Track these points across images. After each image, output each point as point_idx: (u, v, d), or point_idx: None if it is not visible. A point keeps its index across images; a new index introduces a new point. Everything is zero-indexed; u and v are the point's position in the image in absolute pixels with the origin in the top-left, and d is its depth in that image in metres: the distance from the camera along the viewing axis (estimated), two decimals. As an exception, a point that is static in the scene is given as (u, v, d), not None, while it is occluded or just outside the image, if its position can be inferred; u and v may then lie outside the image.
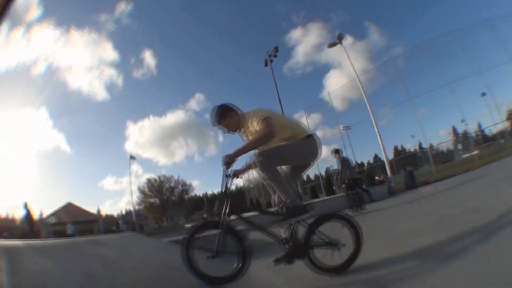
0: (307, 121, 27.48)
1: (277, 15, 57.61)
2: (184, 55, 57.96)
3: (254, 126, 2.60)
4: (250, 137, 2.76)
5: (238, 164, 2.67)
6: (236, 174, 2.90)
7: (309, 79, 47.32)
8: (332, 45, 21.01)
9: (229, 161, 2.53)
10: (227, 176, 2.70)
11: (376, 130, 18.49)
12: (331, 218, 2.62)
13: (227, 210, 2.52)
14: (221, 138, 49.25)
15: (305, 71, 43.14)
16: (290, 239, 2.54)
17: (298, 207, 2.48)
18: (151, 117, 48.01)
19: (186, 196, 45.20)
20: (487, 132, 24.47)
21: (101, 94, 52.77)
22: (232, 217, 2.56)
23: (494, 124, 21.86)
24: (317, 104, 30.45)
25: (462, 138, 26.31)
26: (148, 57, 52.02)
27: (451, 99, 22.85)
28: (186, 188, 46.13)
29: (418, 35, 56.02)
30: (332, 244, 2.51)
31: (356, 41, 49.90)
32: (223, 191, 2.66)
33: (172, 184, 45.49)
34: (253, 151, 2.58)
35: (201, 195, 45.14)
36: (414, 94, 21.86)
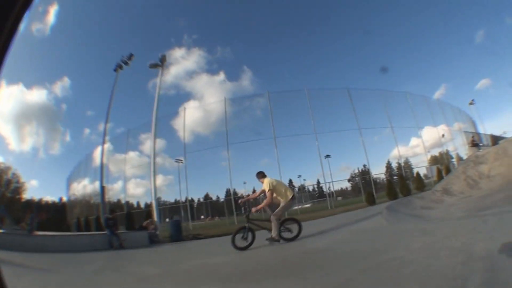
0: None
1: (173, 27, 56.17)
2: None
3: (266, 189, 6.76)
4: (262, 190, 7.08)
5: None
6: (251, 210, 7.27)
7: (170, 101, 46.09)
8: (153, 65, 20.56)
9: (256, 210, 7.34)
10: (249, 213, 7.08)
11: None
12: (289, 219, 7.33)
13: (248, 223, 6.73)
14: (68, 138, 45.42)
15: (167, 92, 41.10)
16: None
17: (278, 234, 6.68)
18: (21, 85, 39.31)
19: (18, 196, 35.56)
20: (324, 188, 26.83)
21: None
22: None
23: (332, 181, 25.11)
24: (168, 129, 28.39)
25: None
26: (51, 16, 44.65)
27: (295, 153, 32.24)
28: (19, 186, 36.83)
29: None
30: (289, 231, 6.88)
31: (226, 80, 51.58)
32: (247, 215, 6.96)
33: (10, 177, 36.35)
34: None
35: (34, 198, 35.49)
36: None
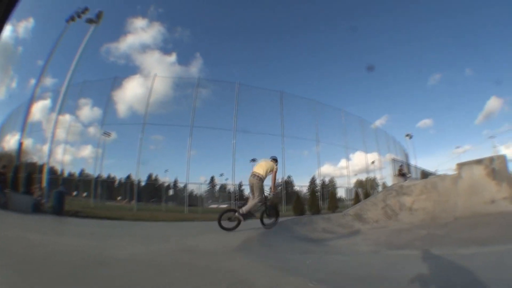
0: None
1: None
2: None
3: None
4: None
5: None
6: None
7: (116, 69, 46.53)
8: (88, 20, 18.94)
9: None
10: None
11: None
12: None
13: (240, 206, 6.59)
14: (14, 85, 40.24)
15: (116, 61, 38.78)
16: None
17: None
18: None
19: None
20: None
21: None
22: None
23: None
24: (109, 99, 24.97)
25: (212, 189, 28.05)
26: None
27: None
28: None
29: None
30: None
31: (175, 63, 51.53)
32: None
33: None
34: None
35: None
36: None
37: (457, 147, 78.02)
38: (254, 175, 6.49)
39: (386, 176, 25.41)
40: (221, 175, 23.62)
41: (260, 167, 6.57)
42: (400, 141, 32.63)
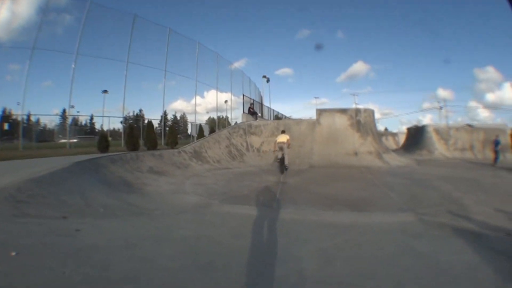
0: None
1: None
2: None
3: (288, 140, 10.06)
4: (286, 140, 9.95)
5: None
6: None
7: None
8: None
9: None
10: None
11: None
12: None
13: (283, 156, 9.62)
14: None
15: None
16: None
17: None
18: None
19: None
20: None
21: None
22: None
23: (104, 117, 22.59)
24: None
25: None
26: None
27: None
28: None
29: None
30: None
31: None
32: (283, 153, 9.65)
33: None
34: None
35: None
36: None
37: (316, 98, 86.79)
38: (283, 143, 9.60)
39: (238, 116, 25.19)
40: (72, 107, 19.17)
41: (283, 138, 9.72)
42: (257, 83, 32.53)
